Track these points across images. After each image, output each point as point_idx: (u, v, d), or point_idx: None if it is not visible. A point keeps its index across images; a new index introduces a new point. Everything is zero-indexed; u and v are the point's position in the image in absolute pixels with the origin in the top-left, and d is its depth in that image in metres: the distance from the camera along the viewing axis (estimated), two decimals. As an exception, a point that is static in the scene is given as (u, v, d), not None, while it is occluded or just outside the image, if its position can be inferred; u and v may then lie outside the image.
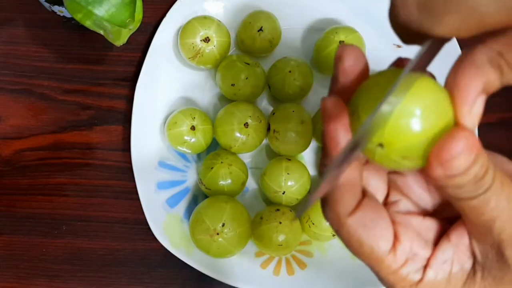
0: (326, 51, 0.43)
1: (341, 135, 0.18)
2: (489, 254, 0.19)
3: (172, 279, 0.43)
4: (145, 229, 0.42)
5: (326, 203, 0.20)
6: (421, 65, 0.18)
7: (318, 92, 0.45)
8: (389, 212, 0.21)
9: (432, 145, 0.17)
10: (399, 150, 0.17)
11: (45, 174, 0.45)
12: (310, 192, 0.42)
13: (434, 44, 0.17)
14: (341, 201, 0.19)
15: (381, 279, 0.21)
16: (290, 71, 0.42)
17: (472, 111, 0.17)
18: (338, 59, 0.19)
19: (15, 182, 0.45)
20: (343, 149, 0.18)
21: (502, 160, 0.21)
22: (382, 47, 0.44)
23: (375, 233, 0.20)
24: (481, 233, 0.19)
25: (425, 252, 0.20)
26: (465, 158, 0.16)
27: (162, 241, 0.42)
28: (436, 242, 0.21)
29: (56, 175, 0.45)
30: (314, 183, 0.43)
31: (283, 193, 0.41)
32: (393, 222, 0.20)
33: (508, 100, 0.45)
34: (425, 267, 0.20)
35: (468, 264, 0.20)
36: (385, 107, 0.16)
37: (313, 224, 0.40)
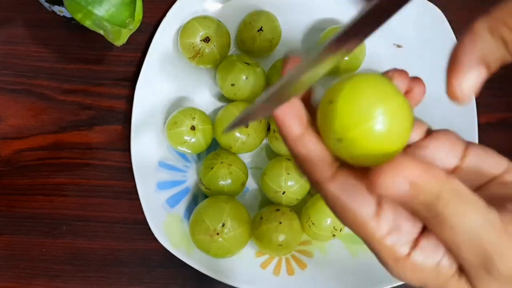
0: (326, 51, 0.43)
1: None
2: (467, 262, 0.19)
3: (172, 279, 0.43)
4: (145, 229, 0.42)
5: (305, 173, 0.21)
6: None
7: (318, 92, 0.45)
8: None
9: (384, 150, 0.19)
10: (355, 148, 0.19)
11: (45, 174, 0.45)
12: (310, 193, 0.42)
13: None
14: (316, 170, 0.20)
15: (370, 249, 0.21)
16: (290, 71, 0.42)
17: (465, 83, 0.17)
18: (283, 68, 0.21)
19: (15, 182, 0.45)
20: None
21: (492, 155, 0.21)
22: (382, 47, 0.44)
23: (357, 198, 0.20)
24: (448, 247, 0.19)
25: (411, 227, 0.20)
26: (392, 184, 0.17)
27: (162, 241, 0.42)
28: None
29: (56, 175, 0.45)
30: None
31: (283, 193, 0.41)
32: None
33: (508, 100, 0.45)
34: (414, 245, 0.20)
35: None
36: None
37: (313, 224, 0.40)
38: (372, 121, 0.18)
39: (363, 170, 0.20)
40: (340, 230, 0.40)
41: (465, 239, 0.18)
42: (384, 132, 0.18)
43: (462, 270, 0.19)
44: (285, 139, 0.21)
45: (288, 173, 0.41)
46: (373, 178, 0.17)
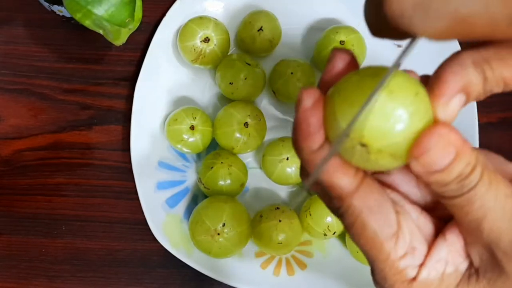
0: (327, 50, 0.43)
1: (313, 130, 0.18)
2: (483, 256, 0.19)
3: (172, 279, 0.43)
4: (145, 229, 0.42)
5: (325, 188, 0.19)
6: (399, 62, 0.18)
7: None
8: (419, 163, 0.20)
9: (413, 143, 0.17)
10: (383, 150, 0.17)
11: (45, 174, 0.45)
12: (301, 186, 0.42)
13: (412, 42, 0.17)
14: (337, 183, 0.19)
15: (376, 270, 0.20)
16: (292, 73, 0.42)
17: (449, 106, 0.18)
18: (329, 60, 0.19)
19: (14, 182, 0.45)
20: (324, 157, 0.18)
21: (500, 160, 0.21)
22: (382, 47, 0.44)
23: (380, 217, 0.19)
24: (471, 233, 0.19)
25: (423, 249, 0.19)
26: (439, 153, 0.17)
27: (161, 241, 0.42)
28: (433, 240, 0.20)
29: (56, 175, 0.45)
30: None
31: (287, 159, 0.41)
32: (395, 210, 0.20)
33: (508, 100, 0.45)
34: (421, 265, 0.19)
35: (463, 265, 0.19)
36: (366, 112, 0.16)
37: (310, 215, 0.40)
38: (397, 129, 0.17)
39: (382, 180, 0.20)
40: (334, 233, 0.40)
41: (494, 214, 0.17)
42: (405, 119, 0.17)
43: (476, 271, 0.19)
44: (299, 153, 0.19)
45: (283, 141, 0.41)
46: (420, 149, 0.17)
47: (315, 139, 0.18)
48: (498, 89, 0.19)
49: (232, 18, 0.45)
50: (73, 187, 0.45)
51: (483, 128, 0.43)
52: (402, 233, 0.19)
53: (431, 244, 0.20)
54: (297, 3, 0.46)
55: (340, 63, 0.19)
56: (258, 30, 0.43)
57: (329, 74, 0.19)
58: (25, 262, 0.44)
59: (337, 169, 0.18)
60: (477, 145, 0.42)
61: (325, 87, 0.19)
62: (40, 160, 0.45)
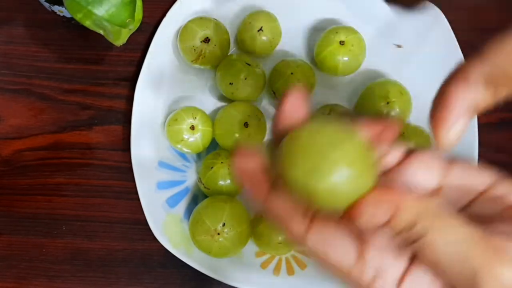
0: (327, 50, 0.43)
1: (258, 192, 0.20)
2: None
3: (172, 279, 0.43)
4: (145, 229, 0.42)
5: (282, 230, 0.20)
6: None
7: (322, 90, 0.45)
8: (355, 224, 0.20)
9: (349, 196, 0.18)
10: (323, 206, 0.19)
11: (45, 174, 0.45)
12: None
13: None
14: (289, 226, 0.19)
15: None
16: (292, 73, 0.42)
17: (452, 131, 0.18)
18: (280, 105, 0.20)
19: (14, 182, 0.45)
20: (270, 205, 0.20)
21: (469, 173, 0.20)
22: (382, 47, 0.44)
23: (338, 249, 0.19)
24: (436, 272, 0.19)
25: (396, 268, 0.19)
26: (370, 223, 0.18)
27: (162, 241, 0.42)
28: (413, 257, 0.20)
29: (56, 175, 0.45)
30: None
31: None
32: (360, 234, 0.20)
33: (508, 100, 0.45)
34: (399, 283, 0.19)
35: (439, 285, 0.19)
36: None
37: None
38: (330, 173, 0.18)
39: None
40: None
41: (448, 258, 0.17)
42: (342, 181, 0.18)
43: None
44: (253, 199, 0.20)
45: None
46: (353, 214, 0.18)
47: (261, 193, 0.19)
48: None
49: (232, 18, 0.45)
50: (73, 187, 0.45)
51: (483, 128, 0.43)
52: (368, 255, 0.19)
53: (410, 265, 0.20)
54: (297, 3, 0.46)
55: (291, 106, 0.20)
56: (258, 30, 0.43)
57: (281, 119, 0.20)
58: (25, 262, 0.44)
59: (286, 217, 0.19)
60: (477, 146, 0.42)
61: (279, 128, 0.20)
62: (40, 160, 0.45)
